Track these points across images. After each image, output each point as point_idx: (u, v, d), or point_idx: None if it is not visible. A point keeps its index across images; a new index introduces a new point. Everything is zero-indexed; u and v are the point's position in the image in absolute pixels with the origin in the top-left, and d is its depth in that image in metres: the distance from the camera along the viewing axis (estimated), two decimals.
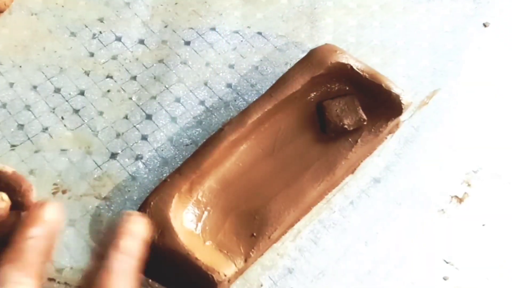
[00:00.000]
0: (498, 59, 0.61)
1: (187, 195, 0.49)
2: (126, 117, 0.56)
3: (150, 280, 0.48)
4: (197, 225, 0.48)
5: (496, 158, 0.56)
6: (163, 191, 0.48)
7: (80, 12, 0.62)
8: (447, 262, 0.51)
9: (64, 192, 0.52)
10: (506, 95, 0.59)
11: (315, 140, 0.53)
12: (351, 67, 0.53)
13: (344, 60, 0.54)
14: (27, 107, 0.56)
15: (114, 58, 0.60)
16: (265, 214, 0.49)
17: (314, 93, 0.54)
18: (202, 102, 0.57)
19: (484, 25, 0.63)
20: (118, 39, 0.61)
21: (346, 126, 0.52)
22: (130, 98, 0.57)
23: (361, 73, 0.53)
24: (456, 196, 0.54)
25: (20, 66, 0.58)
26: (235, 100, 0.58)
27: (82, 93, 0.57)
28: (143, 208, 0.47)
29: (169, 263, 0.46)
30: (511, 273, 0.51)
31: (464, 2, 0.65)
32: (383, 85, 0.53)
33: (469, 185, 0.54)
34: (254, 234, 0.48)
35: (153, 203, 0.47)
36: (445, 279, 0.50)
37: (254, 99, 0.54)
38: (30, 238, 0.34)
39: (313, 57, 0.54)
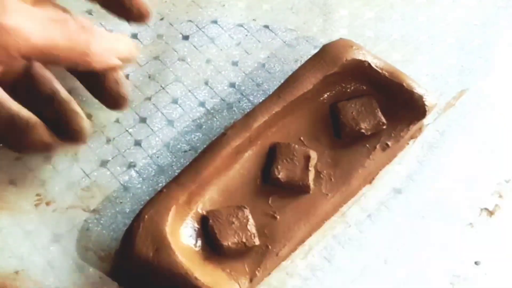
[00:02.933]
0: None
1: (186, 207, 0.49)
2: (117, 121, 0.56)
3: None
4: (196, 240, 0.48)
5: None
6: (158, 203, 0.48)
7: (67, 2, 0.61)
8: None
9: (48, 203, 0.52)
10: None
11: (328, 145, 0.53)
12: (369, 64, 0.54)
13: (361, 57, 0.54)
14: None
15: None
16: (273, 228, 0.49)
17: (328, 94, 0.54)
18: (202, 104, 0.57)
19: None
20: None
21: (363, 131, 0.53)
22: None
23: (380, 71, 0.54)
24: (487, 209, 0.54)
25: None
26: (239, 102, 0.57)
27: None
28: (136, 222, 0.47)
29: (166, 282, 0.45)
30: None
31: None
32: (404, 84, 0.53)
33: (500, 196, 0.54)
34: (261, 251, 0.48)
35: (147, 217, 0.47)
36: None
37: (260, 100, 0.54)
38: None
39: (326, 53, 0.54)
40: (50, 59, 0.47)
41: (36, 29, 0.45)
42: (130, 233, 0.47)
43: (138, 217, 0.47)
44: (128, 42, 0.53)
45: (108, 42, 0.50)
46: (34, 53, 0.45)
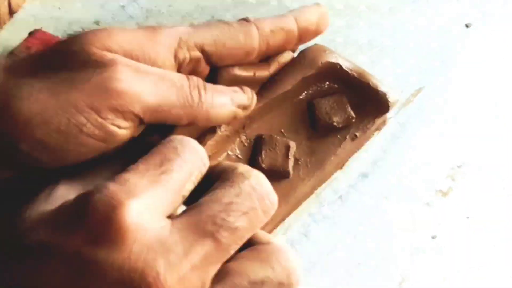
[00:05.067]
0: (480, 58, 0.63)
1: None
2: None
3: None
4: None
5: (480, 153, 0.57)
6: None
7: (77, 15, 0.63)
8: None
9: None
10: (488, 93, 0.61)
11: (305, 137, 0.54)
12: (340, 66, 0.54)
13: (333, 60, 0.54)
14: None
15: None
16: None
17: (305, 92, 0.55)
18: None
19: (466, 25, 0.65)
20: None
21: (335, 124, 0.53)
22: None
23: (350, 72, 0.54)
24: (441, 190, 0.55)
25: None
26: None
27: None
28: None
29: None
30: (494, 265, 0.53)
31: (448, 4, 0.66)
32: (370, 83, 0.54)
33: (453, 179, 0.56)
34: None
35: None
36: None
37: None
38: None
39: (303, 57, 0.54)
40: (165, 118, 0.42)
41: (147, 88, 0.40)
42: None
43: None
44: (244, 91, 0.48)
45: (223, 94, 0.46)
46: (149, 113, 0.41)
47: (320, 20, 0.50)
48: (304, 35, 0.50)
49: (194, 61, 0.45)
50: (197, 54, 0.45)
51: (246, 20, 0.47)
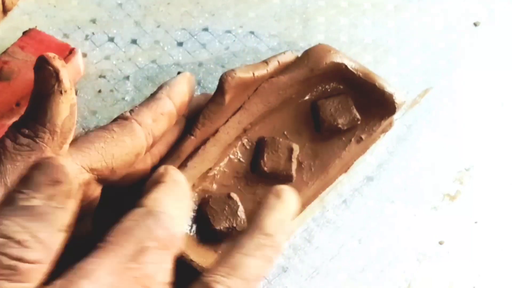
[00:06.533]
0: (489, 58, 0.62)
1: None
2: None
3: None
4: (192, 226, 0.49)
5: (488, 155, 0.57)
6: None
7: (72, 13, 0.62)
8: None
9: None
10: (497, 93, 0.60)
11: (309, 139, 0.53)
12: (346, 66, 0.53)
13: (338, 60, 0.54)
14: None
15: (107, 58, 0.60)
16: None
17: (309, 93, 0.54)
18: None
19: (475, 24, 0.64)
20: (111, 39, 0.61)
21: (340, 126, 0.53)
22: (123, 99, 0.58)
23: (355, 72, 0.54)
24: (449, 194, 0.54)
25: None
26: None
27: (74, 92, 0.57)
28: None
29: None
30: (504, 271, 0.52)
31: (455, 1, 0.65)
32: (376, 84, 0.53)
33: (461, 182, 0.55)
34: None
35: None
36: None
37: None
38: None
39: (307, 57, 0.53)
40: None
41: None
42: None
43: None
44: None
45: None
46: None
47: (190, 88, 0.48)
48: (182, 108, 0.47)
49: (84, 185, 0.41)
50: (86, 177, 0.41)
51: (123, 118, 0.44)
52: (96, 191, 0.43)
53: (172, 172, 0.38)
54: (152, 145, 0.45)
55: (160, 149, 0.48)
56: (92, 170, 0.41)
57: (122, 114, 0.44)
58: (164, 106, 0.45)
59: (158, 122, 0.45)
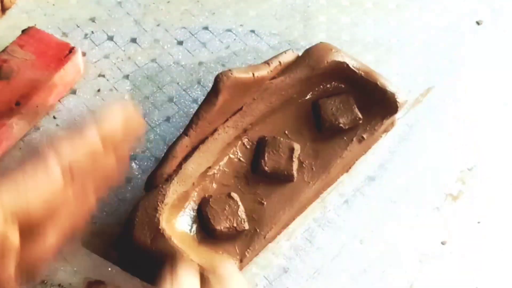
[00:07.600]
0: (491, 57, 0.62)
1: (181, 197, 0.49)
2: None
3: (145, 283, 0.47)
4: (192, 226, 0.49)
5: (491, 155, 0.56)
6: (153, 196, 0.48)
7: (72, 11, 0.62)
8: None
9: None
10: (500, 93, 0.60)
11: (310, 138, 0.53)
12: (347, 65, 0.53)
13: (340, 59, 0.53)
14: None
15: (106, 57, 0.60)
16: (261, 213, 0.49)
17: (311, 92, 0.54)
18: (195, 101, 0.57)
19: (478, 23, 0.64)
20: (110, 38, 0.61)
21: (341, 125, 0.52)
22: (123, 98, 0.57)
23: (357, 71, 0.53)
24: (451, 194, 0.54)
25: None
26: None
27: (74, 92, 0.57)
28: (132, 214, 0.47)
29: (164, 266, 0.44)
30: (505, 268, 0.51)
31: (457, 0, 0.65)
32: (378, 83, 0.53)
33: (463, 183, 0.55)
34: (250, 234, 0.49)
35: (142, 210, 0.47)
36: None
37: None
38: None
39: (309, 56, 0.53)
40: None
41: None
42: (128, 224, 0.47)
43: (134, 210, 0.47)
44: None
45: None
46: None
47: (128, 123, 0.39)
48: (111, 140, 0.39)
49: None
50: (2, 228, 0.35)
51: (39, 152, 0.37)
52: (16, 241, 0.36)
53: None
54: (76, 181, 0.38)
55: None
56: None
57: (39, 146, 0.38)
58: (88, 136, 0.38)
59: (79, 154, 0.38)
